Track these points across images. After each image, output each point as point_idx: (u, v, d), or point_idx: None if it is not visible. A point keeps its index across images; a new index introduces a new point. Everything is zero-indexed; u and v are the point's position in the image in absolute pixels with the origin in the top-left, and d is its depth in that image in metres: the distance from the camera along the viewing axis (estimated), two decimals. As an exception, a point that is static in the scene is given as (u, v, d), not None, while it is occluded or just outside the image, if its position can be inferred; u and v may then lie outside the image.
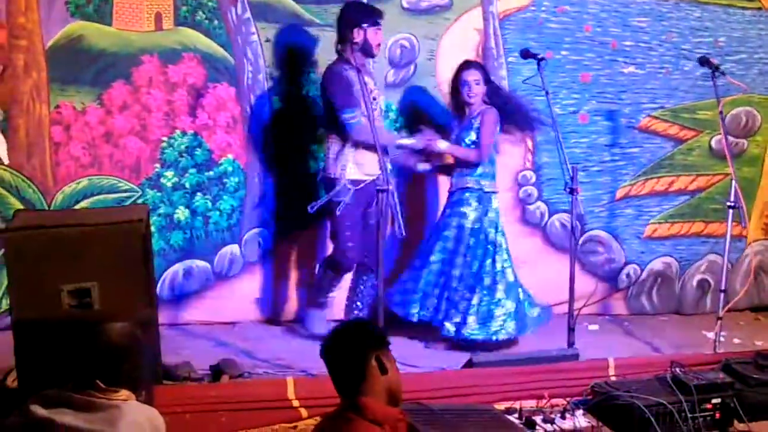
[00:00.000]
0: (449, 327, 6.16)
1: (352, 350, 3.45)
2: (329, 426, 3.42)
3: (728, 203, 6.30)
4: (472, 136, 6.30)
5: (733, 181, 6.30)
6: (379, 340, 3.52)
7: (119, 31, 6.36)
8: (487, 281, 6.21)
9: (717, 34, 7.31)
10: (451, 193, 6.40)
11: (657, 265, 7.42)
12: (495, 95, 6.39)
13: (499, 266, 6.27)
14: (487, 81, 6.38)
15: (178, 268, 6.61)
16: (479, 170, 6.30)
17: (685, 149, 7.37)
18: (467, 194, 6.30)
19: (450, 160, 6.51)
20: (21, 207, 6.16)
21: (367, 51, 6.10)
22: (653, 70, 7.26)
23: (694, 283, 7.50)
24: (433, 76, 6.89)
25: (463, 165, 6.35)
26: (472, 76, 6.33)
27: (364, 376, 3.41)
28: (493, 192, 6.36)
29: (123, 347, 3.53)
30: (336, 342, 3.50)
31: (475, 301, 6.17)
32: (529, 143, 7.06)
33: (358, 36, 6.01)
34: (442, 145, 6.35)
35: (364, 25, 6.02)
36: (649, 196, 7.35)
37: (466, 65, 6.41)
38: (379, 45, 6.16)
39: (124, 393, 3.50)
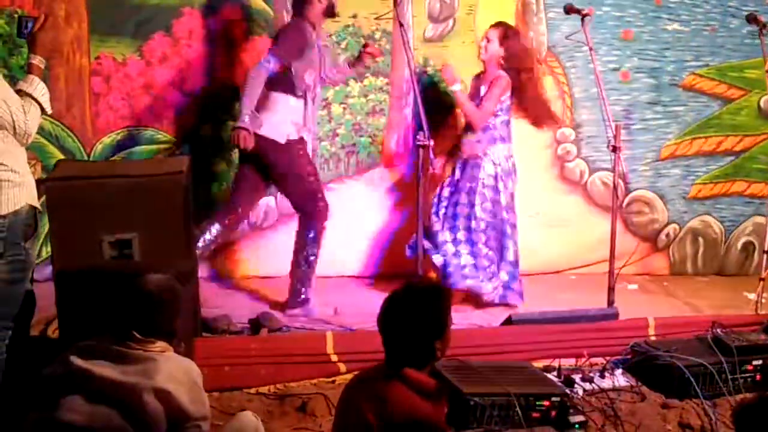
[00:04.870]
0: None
1: (431, 323, 3.37)
2: (371, 389, 3.34)
3: (772, 163, 6.24)
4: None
5: (779, 141, 6.23)
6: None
7: (160, -18, 6.34)
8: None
9: (765, -10, 7.17)
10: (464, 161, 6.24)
11: (695, 223, 7.35)
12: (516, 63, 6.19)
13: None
14: (509, 45, 6.14)
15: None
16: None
17: (734, 109, 7.24)
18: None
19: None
20: (61, 156, 6.23)
21: (330, 12, 5.97)
22: (698, 27, 7.12)
23: (739, 245, 7.43)
24: (472, 31, 6.81)
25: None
26: (488, 34, 6.17)
27: (433, 354, 3.38)
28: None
29: (159, 298, 3.55)
30: (412, 309, 3.38)
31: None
32: (568, 100, 6.98)
33: None
34: (456, 87, 6.16)
35: None
36: (696, 157, 7.26)
37: (493, 24, 6.27)
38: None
39: (160, 344, 3.53)
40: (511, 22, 6.75)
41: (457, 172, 6.23)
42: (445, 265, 6.09)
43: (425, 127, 5.46)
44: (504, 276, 6.14)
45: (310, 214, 5.94)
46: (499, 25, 6.25)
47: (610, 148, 5.86)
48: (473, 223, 6.11)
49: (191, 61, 6.45)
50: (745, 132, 7.27)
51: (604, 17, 6.95)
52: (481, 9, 6.79)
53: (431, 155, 5.60)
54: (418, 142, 5.47)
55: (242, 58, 6.48)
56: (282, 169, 5.89)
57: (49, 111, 4.26)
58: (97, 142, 6.39)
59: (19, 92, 4.12)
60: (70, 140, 6.33)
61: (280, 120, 5.82)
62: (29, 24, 4.23)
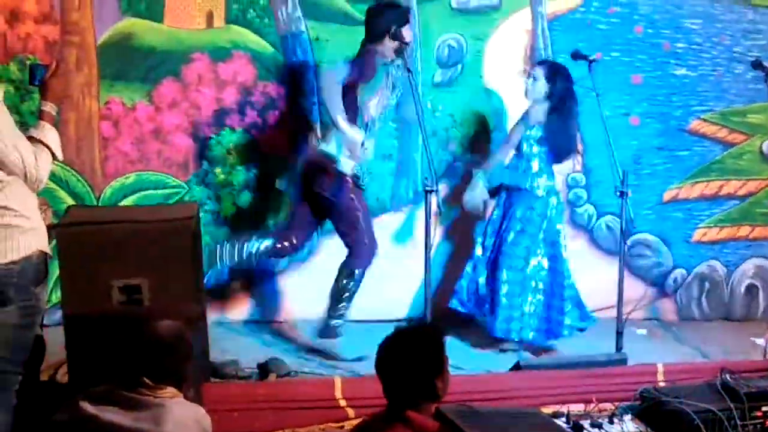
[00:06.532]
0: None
1: (429, 361, 3.40)
2: None
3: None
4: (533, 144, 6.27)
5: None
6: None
7: (170, 28, 6.39)
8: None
9: (770, 36, 7.21)
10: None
11: (703, 268, 7.35)
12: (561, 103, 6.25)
13: None
14: (555, 84, 6.20)
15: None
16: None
17: (736, 153, 7.27)
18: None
19: None
20: (70, 201, 6.24)
21: (399, 51, 5.98)
22: (705, 72, 7.17)
23: (743, 288, 7.43)
24: (480, 77, 6.86)
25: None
26: (534, 71, 6.28)
27: (435, 393, 3.39)
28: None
29: (169, 344, 3.55)
30: (409, 350, 3.41)
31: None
32: (579, 146, 7.00)
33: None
34: None
35: (400, 25, 5.92)
36: (699, 200, 7.27)
37: (540, 62, 6.44)
38: (410, 41, 6.07)
39: (170, 390, 3.52)
40: (519, 66, 6.82)
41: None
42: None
43: (432, 171, 5.48)
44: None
45: (355, 252, 6.03)
46: (546, 63, 6.38)
47: (618, 193, 5.89)
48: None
49: (201, 106, 6.50)
50: (748, 177, 7.30)
51: (613, 63, 6.98)
52: (488, 54, 6.84)
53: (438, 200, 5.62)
54: (426, 187, 5.49)
55: (252, 103, 6.53)
56: (334, 205, 5.99)
57: (60, 158, 4.28)
58: (107, 186, 6.43)
59: (31, 139, 4.14)
60: (80, 185, 6.37)
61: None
62: (41, 71, 4.27)
